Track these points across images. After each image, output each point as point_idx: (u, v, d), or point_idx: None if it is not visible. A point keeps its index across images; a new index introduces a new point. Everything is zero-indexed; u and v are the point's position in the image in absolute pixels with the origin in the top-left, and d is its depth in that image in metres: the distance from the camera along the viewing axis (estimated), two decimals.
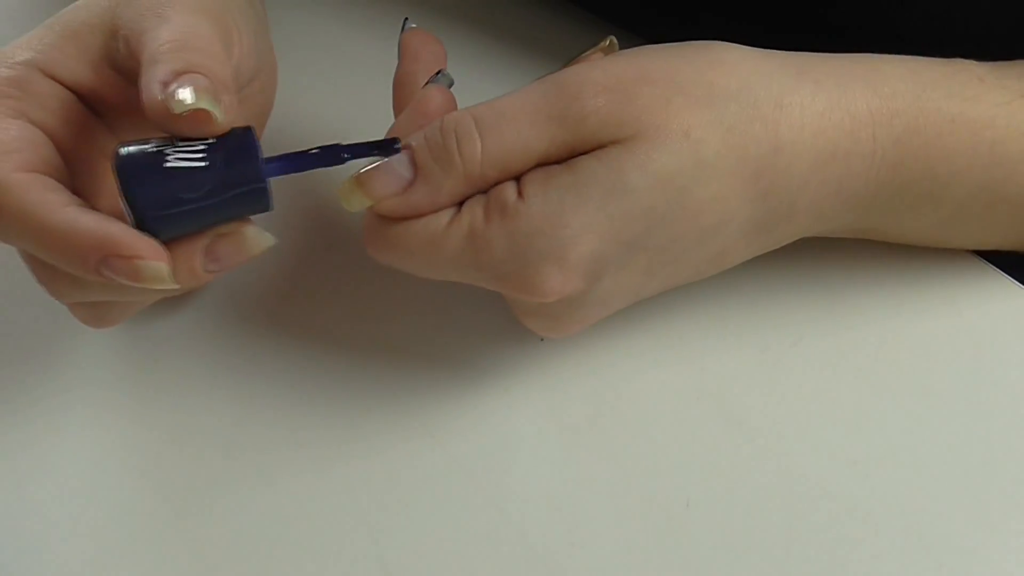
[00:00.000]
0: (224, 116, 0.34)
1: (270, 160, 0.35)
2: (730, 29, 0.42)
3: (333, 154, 0.36)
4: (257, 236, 0.36)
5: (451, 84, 0.40)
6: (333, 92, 0.53)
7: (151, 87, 0.34)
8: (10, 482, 0.42)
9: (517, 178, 0.37)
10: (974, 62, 0.41)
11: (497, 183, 0.37)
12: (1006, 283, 0.45)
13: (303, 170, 0.36)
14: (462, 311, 0.45)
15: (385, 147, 0.37)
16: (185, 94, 0.33)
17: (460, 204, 0.37)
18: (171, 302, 0.45)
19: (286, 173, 0.36)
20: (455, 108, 0.39)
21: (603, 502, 0.40)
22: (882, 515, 0.39)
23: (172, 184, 0.33)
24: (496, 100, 0.37)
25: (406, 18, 0.41)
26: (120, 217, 0.34)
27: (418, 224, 0.37)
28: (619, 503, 0.40)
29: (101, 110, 0.39)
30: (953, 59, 0.41)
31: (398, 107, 0.41)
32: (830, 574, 0.38)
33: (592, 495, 0.40)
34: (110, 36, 0.38)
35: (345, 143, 0.36)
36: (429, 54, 0.40)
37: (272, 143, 0.49)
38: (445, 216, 0.37)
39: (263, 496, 0.41)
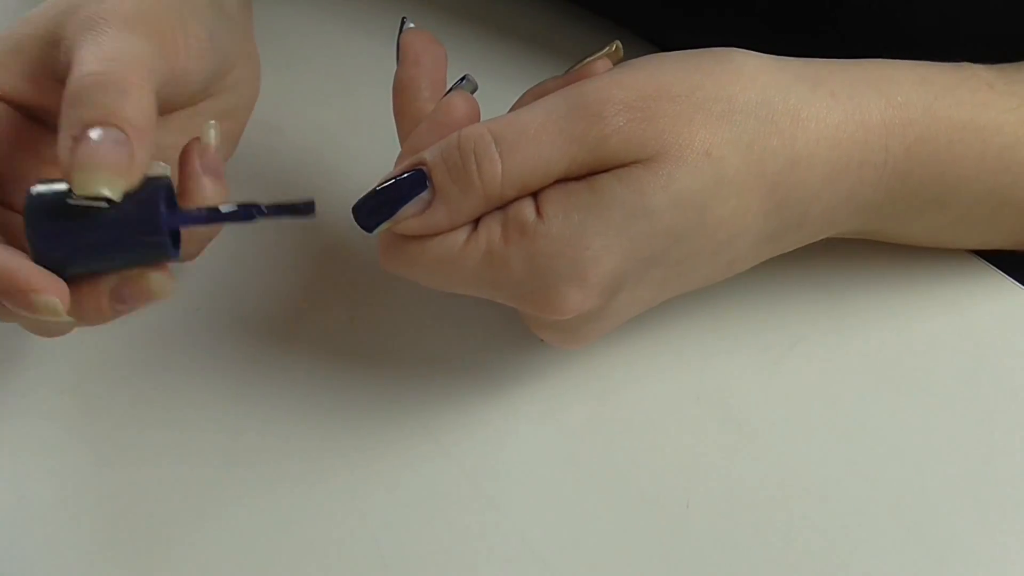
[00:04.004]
0: (120, 197, 0.34)
1: (182, 213, 0.36)
2: (734, 27, 0.42)
3: (247, 213, 0.36)
4: (161, 282, 0.36)
5: (475, 90, 0.39)
6: (332, 90, 0.53)
7: (64, 139, 0.34)
8: (10, 484, 0.42)
9: (534, 193, 0.37)
10: (982, 66, 0.41)
11: (515, 200, 0.37)
12: (1006, 283, 0.45)
13: (213, 224, 0.36)
14: (462, 314, 0.45)
15: (303, 210, 0.35)
16: (85, 178, 0.33)
17: (477, 218, 0.37)
18: (174, 303, 0.45)
19: (194, 225, 0.36)
20: (479, 117, 0.39)
21: (603, 503, 0.40)
22: (882, 515, 0.40)
23: (74, 225, 0.34)
24: (514, 116, 0.37)
25: (404, 17, 0.40)
26: None
27: (434, 242, 0.37)
28: (619, 504, 0.40)
29: (47, 120, 0.39)
30: (962, 64, 0.41)
31: (398, 112, 0.40)
32: (830, 574, 0.38)
33: (592, 496, 0.40)
34: (52, 47, 0.38)
35: (264, 204, 0.35)
36: (430, 57, 0.39)
37: (271, 142, 0.50)
38: (462, 234, 0.37)
39: (264, 498, 0.41)
